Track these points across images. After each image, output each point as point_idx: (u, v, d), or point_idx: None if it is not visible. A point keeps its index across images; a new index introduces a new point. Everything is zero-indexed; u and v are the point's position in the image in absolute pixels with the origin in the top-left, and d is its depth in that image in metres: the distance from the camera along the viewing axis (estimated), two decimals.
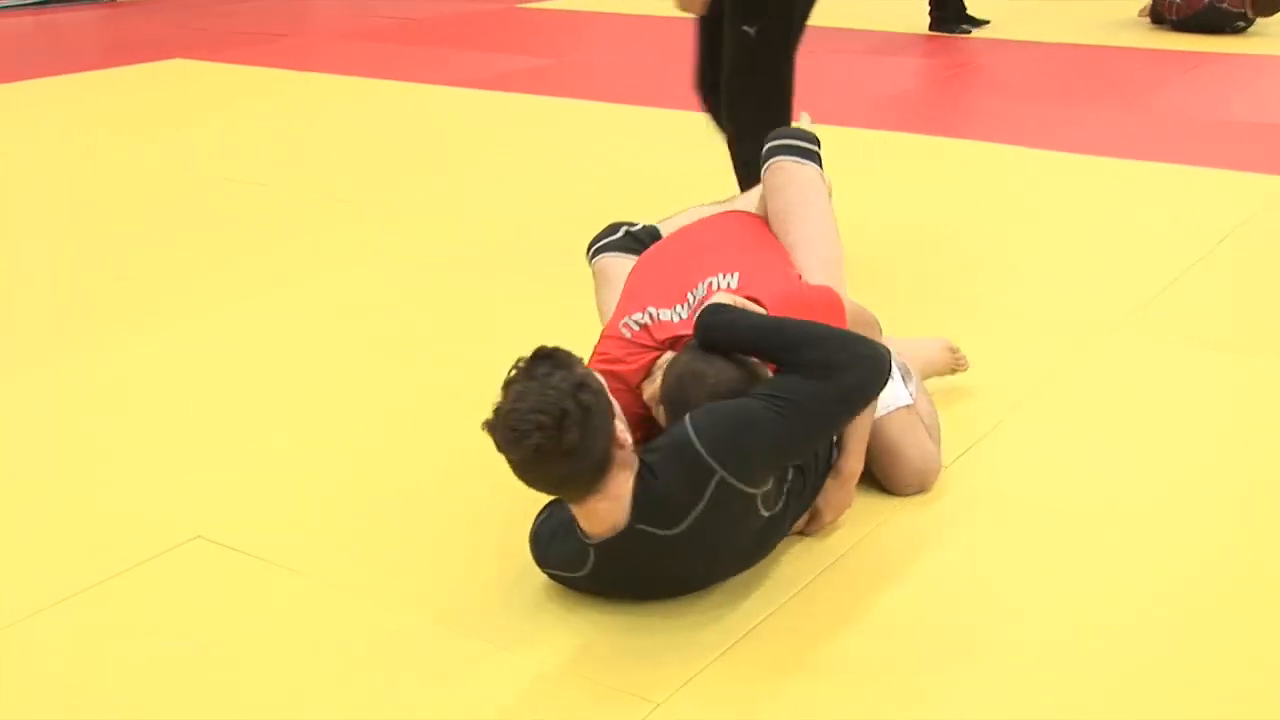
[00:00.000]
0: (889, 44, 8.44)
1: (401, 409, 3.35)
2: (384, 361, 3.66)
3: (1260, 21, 8.28)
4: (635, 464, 2.32)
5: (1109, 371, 3.50)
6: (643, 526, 2.31)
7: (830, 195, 3.09)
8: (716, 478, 2.29)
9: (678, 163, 5.59)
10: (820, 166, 3.06)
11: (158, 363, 3.67)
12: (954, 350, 3.26)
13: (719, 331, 2.52)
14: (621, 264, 3.03)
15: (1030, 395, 3.33)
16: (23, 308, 4.11)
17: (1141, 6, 8.79)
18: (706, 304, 2.58)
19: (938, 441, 2.88)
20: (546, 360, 2.25)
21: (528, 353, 2.29)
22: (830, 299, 2.67)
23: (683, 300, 2.70)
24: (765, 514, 2.41)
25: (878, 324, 2.81)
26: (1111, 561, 2.61)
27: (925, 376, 3.10)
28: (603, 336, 2.79)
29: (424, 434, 3.17)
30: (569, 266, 4.16)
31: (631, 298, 2.81)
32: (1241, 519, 2.79)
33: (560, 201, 5.10)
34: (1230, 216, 4.73)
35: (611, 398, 2.31)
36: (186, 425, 3.30)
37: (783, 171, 2.99)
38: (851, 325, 2.63)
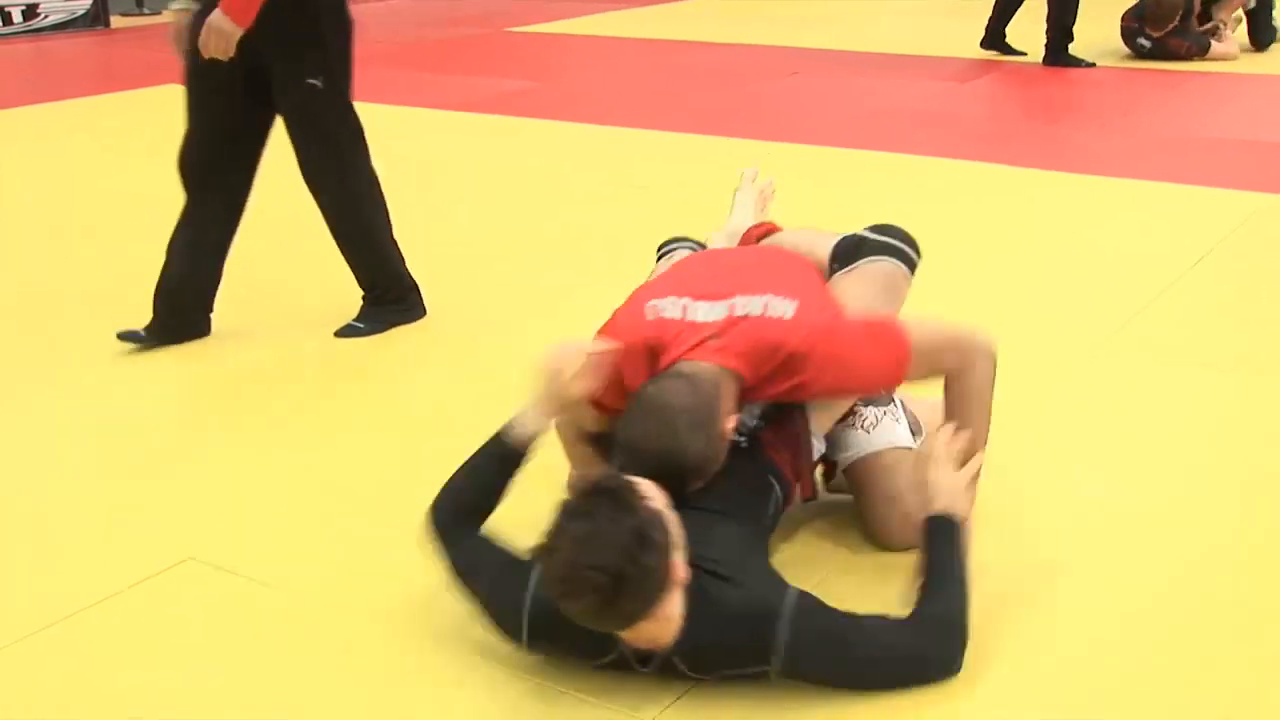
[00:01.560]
0: (875, 65, 8.46)
1: (388, 428, 3.33)
2: (372, 378, 3.64)
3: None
4: (686, 581, 2.14)
5: (1094, 388, 3.50)
6: (675, 660, 2.19)
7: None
8: (763, 668, 2.17)
9: (659, 181, 5.59)
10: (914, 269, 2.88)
11: (147, 387, 3.65)
12: None
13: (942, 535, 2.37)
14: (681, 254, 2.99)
15: (1016, 412, 3.30)
16: (15, 331, 4.07)
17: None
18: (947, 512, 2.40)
19: None
20: (609, 498, 2.07)
21: (595, 483, 2.14)
22: (887, 319, 2.58)
23: (727, 300, 2.52)
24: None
25: (968, 334, 2.63)
26: (1101, 576, 2.60)
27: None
28: (620, 312, 2.67)
29: (411, 453, 3.14)
30: (555, 276, 4.15)
31: (672, 281, 2.68)
32: (1231, 531, 2.77)
33: (545, 219, 5.09)
34: (1211, 233, 4.73)
35: (674, 529, 2.11)
36: (176, 449, 3.28)
37: (890, 279, 2.79)
38: (921, 341, 2.53)
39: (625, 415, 2.40)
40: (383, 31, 10.85)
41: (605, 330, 2.64)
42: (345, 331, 3.94)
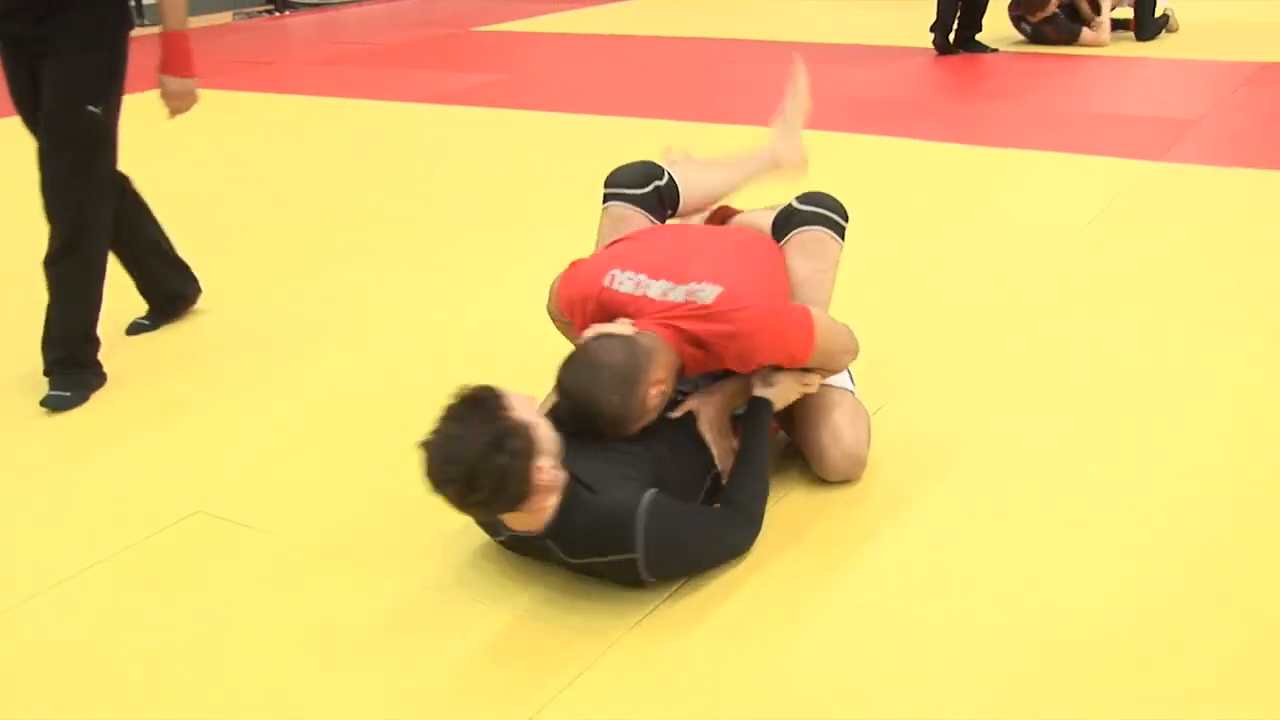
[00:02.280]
0: (812, 54, 8.42)
1: (390, 390, 3.31)
2: (370, 347, 3.62)
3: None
4: (562, 485, 2.24)
5: (1006, 335, 3.52)
6: (550, 543, 2.29)
7: None
8: (627, 556, 2.24)
9: (619, 160, 5.56)
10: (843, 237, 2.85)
11: (154, 354, 3.62)
12: None
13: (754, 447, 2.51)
14: (637, 219, 2.87)
15: (925, 368, 3.33)
16: (27, 307, 4.02)
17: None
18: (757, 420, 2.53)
19: (869, 438, 2.73)
20: (476, 407, 2.15)
21: (471, 382, 2.20)
22: (805, 320, 2.55)
23: (684, 285, 2.52)
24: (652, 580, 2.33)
25: (855, 344, 2.70)
26: (1013, 519, 2.60)
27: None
28: (589, 260, 2.69)
29: (414, 413, 3.12)
30: (527, 251, 4.14)
31: (630, 254, 2.65)
32: (1131, 453, 2.81)
33: (516, 199, 5.06)
34: (1100, 195, 4.76)
35: (540, 435, 2.17)
36: (184, 408, 3.25)
37: (821, 245, 2.77)
38: (825, 344, 2.57)
39: (566, 358, 2.43)
40: (359, 33, 10.73)
41: (566, 278, 2.67)
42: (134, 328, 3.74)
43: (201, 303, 4.00)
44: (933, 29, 8.16)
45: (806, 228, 2.78)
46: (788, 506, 2.62)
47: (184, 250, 3.97)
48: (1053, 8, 8.18)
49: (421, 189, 5.38)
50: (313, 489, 2.81)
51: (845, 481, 2.69)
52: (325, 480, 2.85)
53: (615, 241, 2.78)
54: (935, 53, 8.11)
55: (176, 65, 3.26)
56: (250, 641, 2.27)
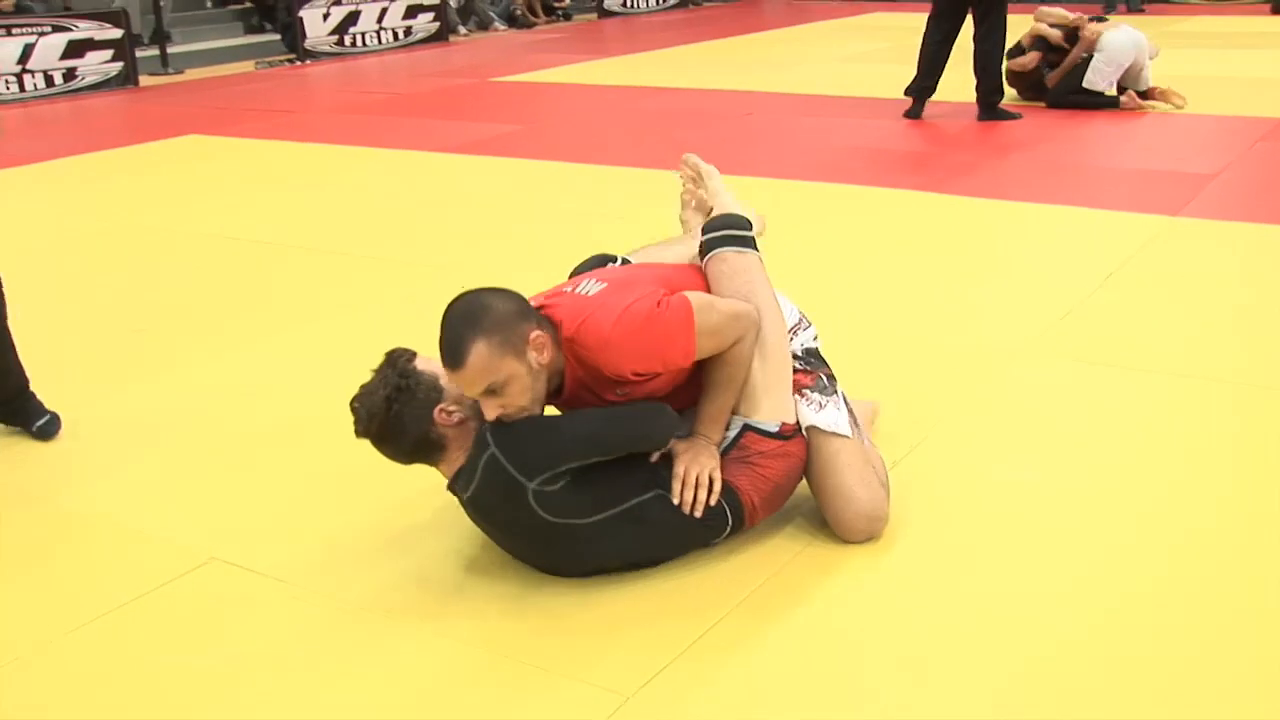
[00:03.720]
0: (821, 106, 8.47)
1: None
2: None
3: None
4: (475, 437, 2.45)
5: (1019, 389, 3.50)
6: (451, 487, 2.50)
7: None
8: (488, 452, 2.39)
9: (630, 211, 5.58)
10: (757, 249, 2.82)
11: (171, 403, 3.61)
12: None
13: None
14: None
15: (946, 417, 3.31)
16: (51, 355, 4.03)
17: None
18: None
19: (888, 491, 2.69)
20: (386, 362, 2.48)
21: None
22: (680, 315, 2.49)
23: (569, 288, 2.62)
24: (546, 517, 2.38)
25: (754, 322, 2.61)
26: (1034, 566, 2.59)
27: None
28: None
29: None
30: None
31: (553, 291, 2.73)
32: (1144, 513, 2.78)
33: (527, 246, 5.07)
34: (1120, 251, 4.74)
35: (444, 384, 2.44)
36: (198, 458, 3.25)
37: (725, 263, 2.75)
38: (716, 330, 2.52)
39: None
40: (378, 83, 10.84)
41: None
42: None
43: (214, 348, 4.00)
44: (908, 90, 7.73)
45: (711, 253, 2.78)
46: (808, 559, 2.59)
47: (196, 299, 3.98)
48: (1032, 64, 8.07)
49: (438, 236, 5.39)
50: (324, 537, 2.79)
51: (868, 540, 2.64)
52: (336, 528, 2.83)
53: None
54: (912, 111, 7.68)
55: None
56: (263, 688, 2.24)
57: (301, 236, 5.49)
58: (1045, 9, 8.18)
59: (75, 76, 10.63)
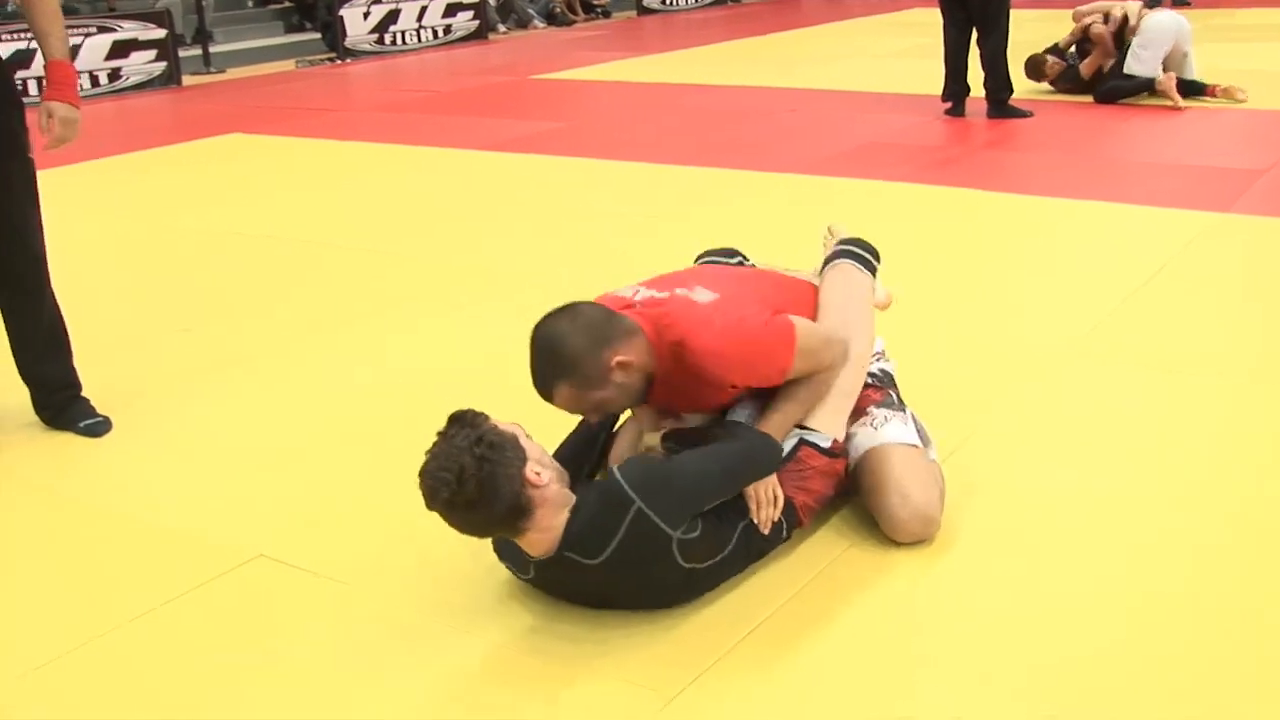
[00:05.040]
0: (859, 102, 8.44)
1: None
2: (425, 390, 3.63)
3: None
4: (569, 500, 2.32)
5: (1064, 389, 3.47)
6: (570, 554, 2.30)
7: (880, 301, 3.01)
8: (634, 508, 2.25)
9: (673, 209, 5.58)
10: (875, 278, 2.95)
11: (218, 401, 3.65)
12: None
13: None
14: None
15: (988, 417, 3.29)
16: (99, 354, 4.08)
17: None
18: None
19: (943, 500, 2.68)
20: (457, 423, 2.26)
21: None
22: (784, 335, 2.55)
23: (667, 291, 2.63)
24: (685, 565, 2.34)
25: (845, 353, 2.68)
26: (1082, 570, 2.57)
27: None
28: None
29: None
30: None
31: (649, 278, 2.79)
32: (1190, 515, 2.75)
33: (568, 243, 5.08)
34: (1165, 248, 4.70)
35: (526, 444, 2.29)
36: (246, 456, 3.27)
37: (842, 273, 2.89)
38: (812, 353, 2.58)
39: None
40: (418, 81, 10.88)
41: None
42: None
43: (262, 347, 4.03)
44: (944, 96, 7.72)
45: (833, 263, 2.94)
46: (852, 559, 2.59)
47: (242, 299, 4.00)
48: (1056, 69, 8.08)
49: (481, 235, 5.41)
50: (370, 534, 2.81)
51: (917, 542, 2.63)
52: (382, 526, 2.84)
53: None
54: (980, 106, 7.66)
55: (63, 92, 3.20)
56: (307, 684, 2.26)
57: (345, 235, 5.53)
58: (1082, 7, 8.10)
59: (120, 77, 10.76)
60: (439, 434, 2.26)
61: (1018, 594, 2.46)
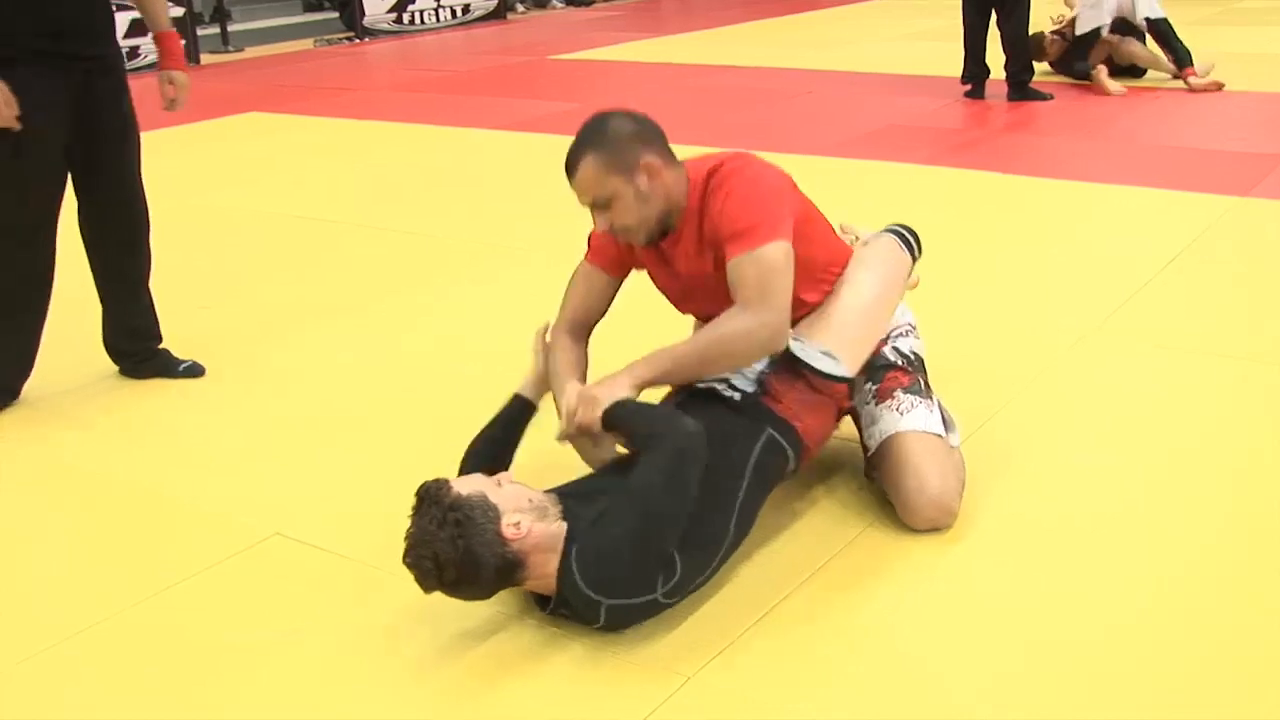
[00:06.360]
0: (876, 84, 8.39)
1: (463, 417, 3.30)
2: (444, 372, 3.63)
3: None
4: (560, 532, 2.24)
5: (1085, 372, 3.45)
6: (563, 613, 2.29)
7: (907, 281, 2.92)
8: (603, 607, 2.20)
9: None
10: (914, 261, 2.91)
11: (235, 380, 3.65)
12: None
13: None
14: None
15: (1011, 400, 3.27)
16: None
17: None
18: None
19: (961, 489, 2.65)
20: (423, 500, 2.21)
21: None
22: (774, 223, 2.47)
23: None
24: (684, 595, 2.30)
25: (771, 337, 2.46)
26: (1101, 553, 2.55)
27: None
28: None
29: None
30: None
31: None
32: (1214, 499, 2.73)
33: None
34: (1185, 232, 4.66)
35: (498, 496, 2.22)
36: (264, 435, 3.27)
37: (883, 243, 2.86)
38: (768, 268, 2.43)
39: None
40: (437, 61, 10.86)
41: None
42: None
43: (279, 326, 4.03)
44: (963, 79, 7.67)
45: (880, 234, 2.92)
46: (868, 541, 2.57)
47: (260, 277, 3.97)
48: (1056, 48, 8.02)
49: (502, 215, 5.40)
50: (386, 513, 2.79)
51: (933, 530, 2.60)
52: (399, 505, 2.83)
53: None
54: (1003, 89, 7.57)
55: (180, 61, 3.79)
56: (322, 662, 2.26)
57: (363, 214, 5.52)
58: None
59: (138, 55, 10.75)
60: (411, 513, 2.21)
61: (1036, 578, 2.44)
